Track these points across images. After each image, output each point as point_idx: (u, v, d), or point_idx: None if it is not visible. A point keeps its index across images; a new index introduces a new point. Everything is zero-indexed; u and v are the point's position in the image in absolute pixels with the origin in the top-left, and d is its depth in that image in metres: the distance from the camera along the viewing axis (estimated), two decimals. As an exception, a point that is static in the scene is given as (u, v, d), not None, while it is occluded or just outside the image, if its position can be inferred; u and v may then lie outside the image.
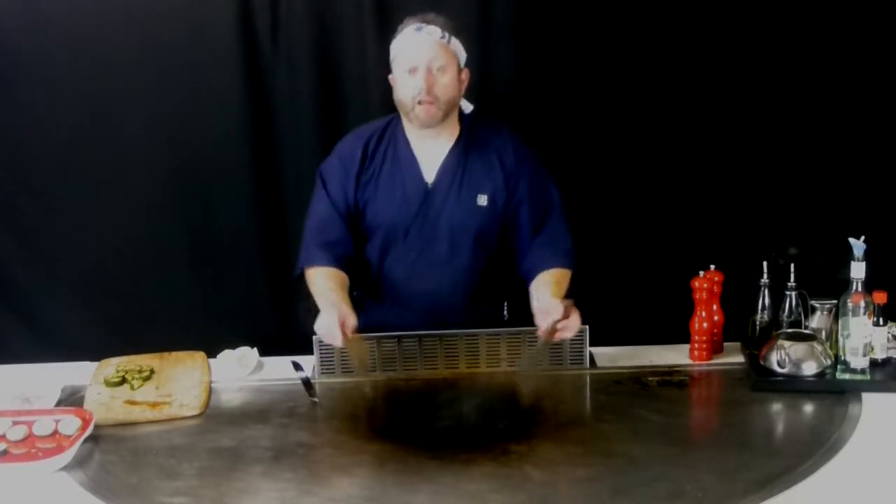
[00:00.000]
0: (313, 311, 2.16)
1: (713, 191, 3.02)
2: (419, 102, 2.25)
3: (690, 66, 2.95)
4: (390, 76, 2.36)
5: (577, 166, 2.71)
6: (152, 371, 2.30)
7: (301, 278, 2.33)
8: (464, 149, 2.37)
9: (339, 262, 2.30)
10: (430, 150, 2.36)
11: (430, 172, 2.36)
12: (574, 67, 2.94)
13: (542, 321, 2.13)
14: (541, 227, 2.38)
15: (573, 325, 2.12)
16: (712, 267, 2.35)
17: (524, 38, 2.92)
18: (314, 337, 2.26)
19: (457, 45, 2.30)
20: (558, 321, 2.09)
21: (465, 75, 2.34)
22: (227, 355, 2.36)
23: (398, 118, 2.40)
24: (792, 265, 2.27)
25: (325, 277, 2.26)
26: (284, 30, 2.90)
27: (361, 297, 2.48)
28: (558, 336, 2.12)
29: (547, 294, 2.17)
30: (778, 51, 2.93)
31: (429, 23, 2.27)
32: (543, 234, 2.38)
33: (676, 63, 2.94)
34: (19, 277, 3.04)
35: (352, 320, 2.11)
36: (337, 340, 2.09)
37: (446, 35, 2.27)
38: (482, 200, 2.36)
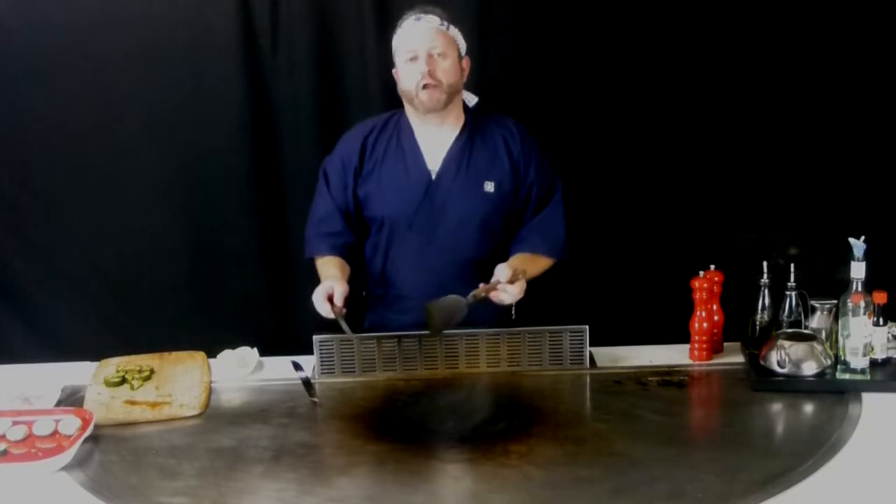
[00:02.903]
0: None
1: (713, 191, 3.02)
2: (423, 87, 2.28)
3: (690, 66, 2.94)
4: (394, 70, 2.38)
5: (576, 166, 2.71)
6: (152, 371, 2.30)
7: (312, 260, 2.46)
8: (469, 137, 2.40)
9: (338, 251, 2.42)
10: (435, 139, 2.38)
11: (434, 161, 2.38)
12: (572, 65, 2.94)
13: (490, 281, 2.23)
14: (538, 211, 2.43)
15: (513, 291, 2.19)
16: (712, 267, 2.35)
17: (521, 35, 2.92)
18: (314, 336, 2.27)
19: (456, 33, 2.35)
20: (501, 282, 2.18)
21: (466, 63, 2.39)
22: (227, 355, 2.36)
23: (401, 112, 2.42)
24: (792, 265, 2.27)
25: (323, 264, 2.39)
26: (284, 30, 2.90)
27: (367, 296, 2.50)
28: (495, 296, 2.20)
29: (507, 263, 2.25)
30: (778, 51, 2.93)
31: (427, 13, 2.32)
32: (539, 217, 2.43)
33: (676, 62, 2.94)
34: (19, 277, 3.04)
35: (340, 288, 2.21)
36: (324, 310, 2.19)
37: (444, 23, 2.32)
38: (489, 187, 2.38)
